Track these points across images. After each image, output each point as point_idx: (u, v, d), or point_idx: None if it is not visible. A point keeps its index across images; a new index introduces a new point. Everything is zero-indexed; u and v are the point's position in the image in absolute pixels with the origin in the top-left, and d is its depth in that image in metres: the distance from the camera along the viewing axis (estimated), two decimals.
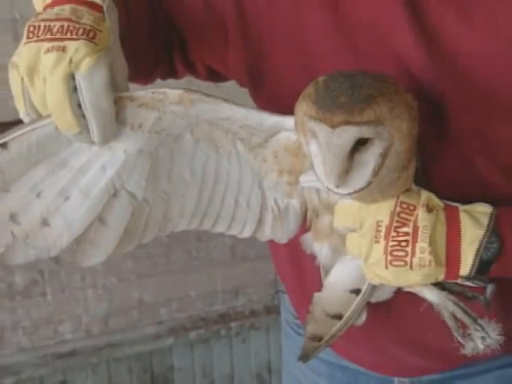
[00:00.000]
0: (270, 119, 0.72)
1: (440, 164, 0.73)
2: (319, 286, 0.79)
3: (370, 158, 0.62)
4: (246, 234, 0.78)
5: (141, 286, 1.84)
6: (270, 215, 0.77)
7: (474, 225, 0.66)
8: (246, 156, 0.76)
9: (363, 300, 0.74)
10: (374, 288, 0.73)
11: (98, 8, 0.67)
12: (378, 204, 0.68)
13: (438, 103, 0.71)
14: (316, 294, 0.78)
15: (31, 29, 0.65)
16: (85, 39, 0.64)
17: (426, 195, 0.68)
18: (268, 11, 0.78)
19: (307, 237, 0.77)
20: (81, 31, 0.64)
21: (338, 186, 0.64)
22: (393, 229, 0.66)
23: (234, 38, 0.79)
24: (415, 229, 0.66)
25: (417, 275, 0.67)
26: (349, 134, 0.60)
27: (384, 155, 0.62)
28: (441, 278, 0.67)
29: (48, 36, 0.64)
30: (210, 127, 0.74)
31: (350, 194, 0.66)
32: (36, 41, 0.64)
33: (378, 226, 0.67)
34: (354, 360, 0.91)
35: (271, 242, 0.80)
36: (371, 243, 0.67)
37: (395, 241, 0.66)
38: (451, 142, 0.72)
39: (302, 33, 0.76)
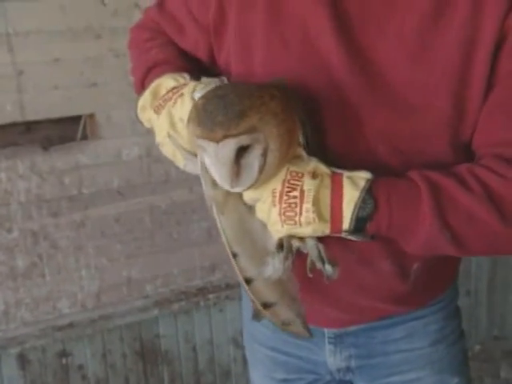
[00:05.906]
0: None
1: (347, 147, 0.79)
2: None
3: (253, 160, 0.70)
4: None
5: (129, 266, 1.89)
6: None
7: (353, 187, 0.72)
8: None
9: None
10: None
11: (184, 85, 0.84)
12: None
13: (352, 102, 0.77)
14: None
15: (156, 109, 0.82)
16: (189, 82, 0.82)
17: (313, 164, 0.74)
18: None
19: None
20: (183, 86, 0.82)
21: (232, 188, 0.71)
22: (284, 193, 0.72)
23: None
24: (302, 192, 0.71)
25: (306, 230, 0.72)
26: (230, 146, 0.67)
27: (264, 155, 0.70)
28: (327, 231, 0.72)
29: (167, 100, 0.81)
30: None
31: (243, 190, 0.73)
32: (163, 108, 0.81)
33: (274, 192, 0.73)
34: None
35: None
36: (270, 207, 0.73)
37: (286, 203, 0.72)
38: (357, 131, 0.78)
39: (247, 33, 0.82)
